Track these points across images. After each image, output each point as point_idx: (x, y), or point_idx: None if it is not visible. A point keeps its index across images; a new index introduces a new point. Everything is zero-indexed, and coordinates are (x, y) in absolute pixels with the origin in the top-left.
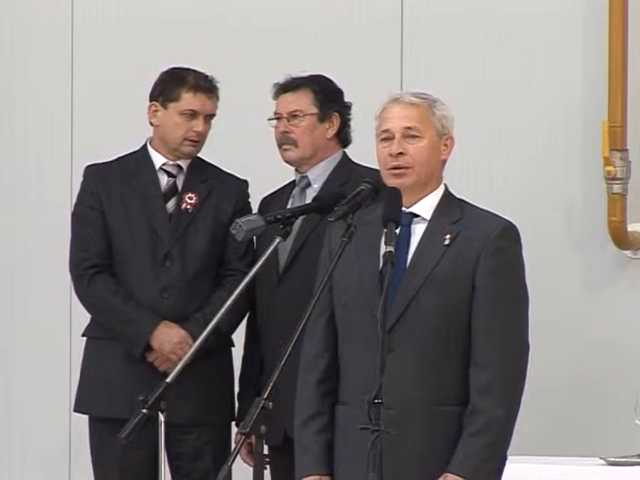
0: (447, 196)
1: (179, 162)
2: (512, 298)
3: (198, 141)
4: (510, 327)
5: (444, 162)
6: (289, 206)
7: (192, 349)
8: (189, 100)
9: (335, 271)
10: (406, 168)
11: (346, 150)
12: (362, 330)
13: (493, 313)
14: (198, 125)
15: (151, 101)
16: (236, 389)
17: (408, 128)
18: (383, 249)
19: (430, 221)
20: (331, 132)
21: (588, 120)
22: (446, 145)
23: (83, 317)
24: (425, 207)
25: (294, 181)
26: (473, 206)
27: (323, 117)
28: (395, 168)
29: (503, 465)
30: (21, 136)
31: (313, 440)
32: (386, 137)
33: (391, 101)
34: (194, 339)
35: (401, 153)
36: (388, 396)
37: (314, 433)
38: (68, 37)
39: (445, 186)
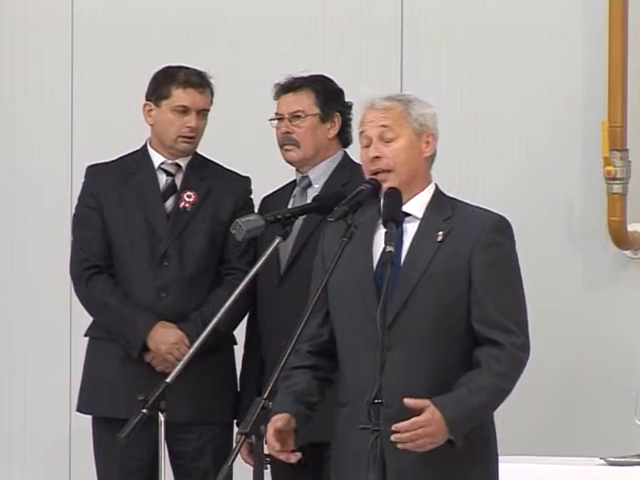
0: (438, 194)
1: (178, 161)
2: (512, 290)
3: (193, 137)
4: (515, 318)
5: (429, 159)
6: (290, 206)
7: (192, 350)
8: (179, 96)
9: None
10: (387, 172)
11: (346, 150)
12: (358, 330)
13: (496, 305)
14: (191, 121)
15: (146, 101)
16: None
17: (383, 128)
18: (377, 249)
19: (422, 219)
20: (333, 132)
21: (588, 120)
22: (428, 142)
23: (83, 317)
24: (416, 206)
25: (295, 181)
26: (464, 203)
27: (325, 117)
28: (376, 172)
29: (488, 439)
30: (21, 136)
31: (280, 396)
32: (365, 143)
33: (366, 107)
34: (191, 339)
35: (377, 157)
36: (386, 395)
37: (283, 392)
38: (68, 37)
39: (435, 185)
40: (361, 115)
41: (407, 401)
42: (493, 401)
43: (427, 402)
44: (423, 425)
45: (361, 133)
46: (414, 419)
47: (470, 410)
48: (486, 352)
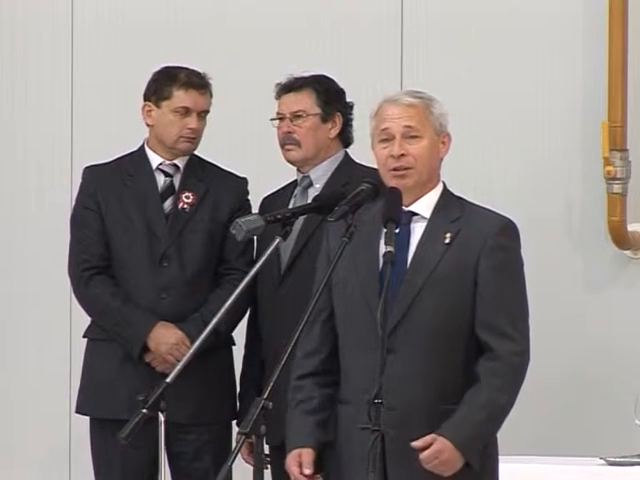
0: (446, 194)
1: (176, 161)
2: (515, 294)
3: (194, 138)
4: (515, 321)
5: (441, 160)
6: (291, 206)
7: (191, 350)
8: (181, 97)
9: (333, 271)
10: (408, 169)
11: (347, 150)
12: (361, 330)
13: (498, 308)
14: (192, 122)
15: (145, 101)
16: (237, 388)
17: (408, 128)
18: (382, 249)
19: (430, 220)
20: (334, 132)
21: (588, 120)
22: (444, 143)
23: (83, 318)
24: (424, 205)
25: (295, 181)
26: (472, 204)
27: (326, 117)
28: (397, 169)
29: (486, 447)
30: (21, 136)
31: (299, 419)
32: (386, 137)
33: (388, 101)
34: (191, 340)
35: (403, 154)
36: (391, 396)
37: (304, 412)
38: (68, 37)
39: (443, 184)
40: (379, 109)
41: (414, 444)
42: (494, 416)
43: (432, 436)
44: (436, 456)
45: (384, 130)
46: (425, 453)
47: (474, 428)
48: (484, 366)
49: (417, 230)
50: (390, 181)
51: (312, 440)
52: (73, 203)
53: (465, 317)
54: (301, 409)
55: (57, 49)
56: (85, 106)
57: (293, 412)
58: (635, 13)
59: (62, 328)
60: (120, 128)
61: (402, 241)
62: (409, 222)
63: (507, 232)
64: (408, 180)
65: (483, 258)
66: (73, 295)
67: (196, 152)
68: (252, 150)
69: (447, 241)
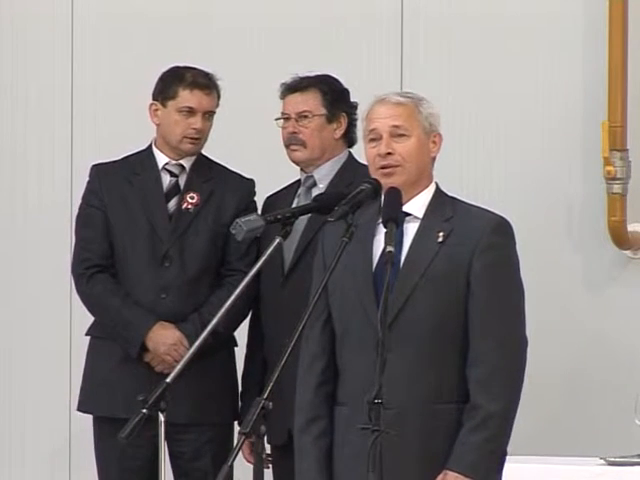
0: (438, 194)
1: (182, 161)
2: (508, 293)
3: (198, 138)
4: (507, 322)
5: (433, 160)
6: (295, 205)
7: (192, 350)
8: (186, 97)
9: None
10: (395, 167)
11: (350, 150)
12: (358, 331)
13: (489, 309)
14: (196, 122)
15: (153, 100)
16: (239, 389)
17: (395, 127)
18: (377, 249)
19: (422, 219)
20: (339, 132)
21: (588, 120)
22: (434, 142)
23: (83, 317)
24: (417, 205)
25: (299, 180)
26: (465, 203)
27: (331, 118)
28: (384, 167)
29: (503, 460)
30: (21, 136)
31: (312, 445)
32: (374, 137)
33: (377, 101)
34: (189, 340)
35: (389, 153)
36: (386, 396)
37: (313, 438)
38: (68, 37)
39: (436, 184)
40: (369, 109)
41: None
42: (494, 427)
43: (442, 474)
44: None
45: (372, 130)
46: None
47: (477, 449)
48: (473, 374)
49: (410, 230)
50: (379, 180)
51: (327, 472)
52: (73, 202)
53: (459, 316)
54: (312, 433)
55: (57, 49)
56: (85, 106)
57: (304, 434)
58: (635, 13)
59: (62, 327)
60: (120, 128)
61: (395, 241)
62: (402, 222)
63: (500, 230)
64: (396, 178)
65: (476, 257)
66: (73, 294)
67: (203, 152)
68: (256, 150)
69: (440, 240)
